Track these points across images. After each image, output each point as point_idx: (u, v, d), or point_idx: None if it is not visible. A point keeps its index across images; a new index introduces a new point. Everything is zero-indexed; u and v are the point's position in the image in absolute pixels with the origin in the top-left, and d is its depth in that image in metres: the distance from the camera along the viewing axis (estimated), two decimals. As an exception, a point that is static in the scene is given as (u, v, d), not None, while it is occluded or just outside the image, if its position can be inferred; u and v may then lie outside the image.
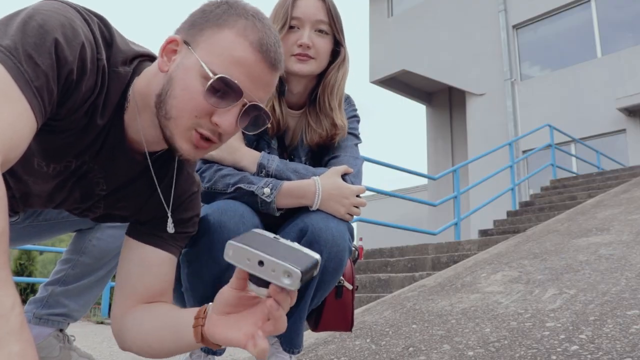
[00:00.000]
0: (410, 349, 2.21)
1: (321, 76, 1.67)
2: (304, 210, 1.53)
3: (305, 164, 1.71)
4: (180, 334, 1.06)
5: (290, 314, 1.57)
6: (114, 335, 1.23)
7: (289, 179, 1.52)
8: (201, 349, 1.55)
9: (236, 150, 1.56)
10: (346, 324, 1.73)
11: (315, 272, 0.87)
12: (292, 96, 1.67)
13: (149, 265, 1.21)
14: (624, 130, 12.05)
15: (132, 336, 1.16)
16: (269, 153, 1.66)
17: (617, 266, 3.05)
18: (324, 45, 1.61)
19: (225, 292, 0.97)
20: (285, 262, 0.82)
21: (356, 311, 3.11)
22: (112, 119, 1.09)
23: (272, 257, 0.83)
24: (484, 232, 7.50)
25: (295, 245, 0.88)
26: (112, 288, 9.27)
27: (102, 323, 5.89)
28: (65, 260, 1.80)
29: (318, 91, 1.66)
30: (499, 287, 3.07)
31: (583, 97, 12.61)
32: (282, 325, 0.91)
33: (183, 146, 1.05)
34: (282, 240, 0.88)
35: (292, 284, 0.82)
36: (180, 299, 1.59)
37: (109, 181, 1.19)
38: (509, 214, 8.55)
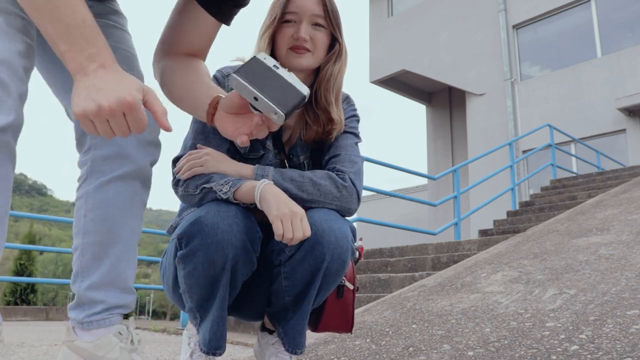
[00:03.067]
0: (410, 349, 2.21)
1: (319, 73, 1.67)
2: (307, 209, 1.53)
3: (303, 163, 1.71)
4: (198, 107, 1.40)
5: (292, 315, 1.58)
6: (154, 73, 1.53)
7: (287, 190, 1.51)
8: (201, 349, 1.55)
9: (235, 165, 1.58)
10: (347, 325, 1.73)
11: (302, 104, 1.09)
12: None
13: (200, 26, 1.46)
14: (624, 130, 12.07)
15: (166, 82, 1.47)
16: (263, 154, 1.66)
17: (617, 266, 3.05)
18: (320, 38, 1.61)
19: (231, 98, 1.26)
20: (274, 103, 1.03)
21: (356, 311, 3.11)
22: None
23: (264, 97, 1.03)
24: (484, 232, 7.51)
25: (291, 77, 1.08)
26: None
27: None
28: (73, 249, 1.59)
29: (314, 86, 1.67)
30: (499, 287, 3.07)
31: (583, 97, 12.63)
32: (265, 132, 1.30)
33: None
34: (281, 70, 1.08)
35: (278, 119, 1.05)
36: (180, 300, 1.60)
37: None
38: (509, 213, 8.56)
